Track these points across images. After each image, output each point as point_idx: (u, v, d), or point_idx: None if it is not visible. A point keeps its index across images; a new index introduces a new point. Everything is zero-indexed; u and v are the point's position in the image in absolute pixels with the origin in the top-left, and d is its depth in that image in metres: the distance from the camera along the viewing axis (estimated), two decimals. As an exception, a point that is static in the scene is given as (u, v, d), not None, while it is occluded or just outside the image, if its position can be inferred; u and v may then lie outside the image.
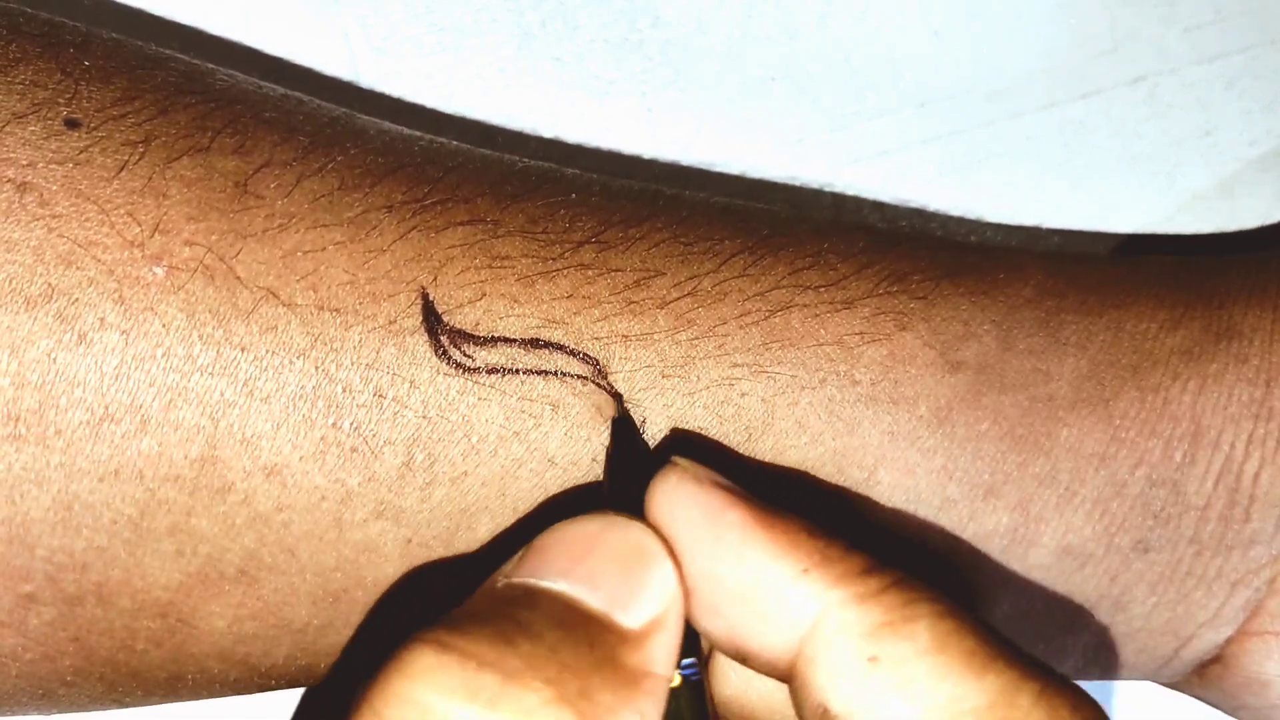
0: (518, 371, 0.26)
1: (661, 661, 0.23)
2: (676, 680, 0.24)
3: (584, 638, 0.22)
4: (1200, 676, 0.30)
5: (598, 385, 0.26)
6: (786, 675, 0.23)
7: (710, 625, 0.24)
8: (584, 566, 0.23)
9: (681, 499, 0.24)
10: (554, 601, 0.22)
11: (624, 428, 0.26)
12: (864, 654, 0.22)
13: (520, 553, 0.23)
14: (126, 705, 0.29)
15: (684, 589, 0.23)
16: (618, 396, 0.26)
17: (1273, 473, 0.28)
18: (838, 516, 0.27)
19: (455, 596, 0.23)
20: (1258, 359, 0.28)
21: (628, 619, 0.23)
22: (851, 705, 0.22)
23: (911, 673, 0.21)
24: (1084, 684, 0.31)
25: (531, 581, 0.23)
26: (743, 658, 0.24)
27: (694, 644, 0.24)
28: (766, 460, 0.27)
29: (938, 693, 0.21)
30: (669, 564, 0.23)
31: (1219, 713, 0.31)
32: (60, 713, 0.29)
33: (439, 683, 0.20)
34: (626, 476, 0.26)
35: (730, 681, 0.26)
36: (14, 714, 0.28)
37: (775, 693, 0.26)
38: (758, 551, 0.23)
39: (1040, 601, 0.28)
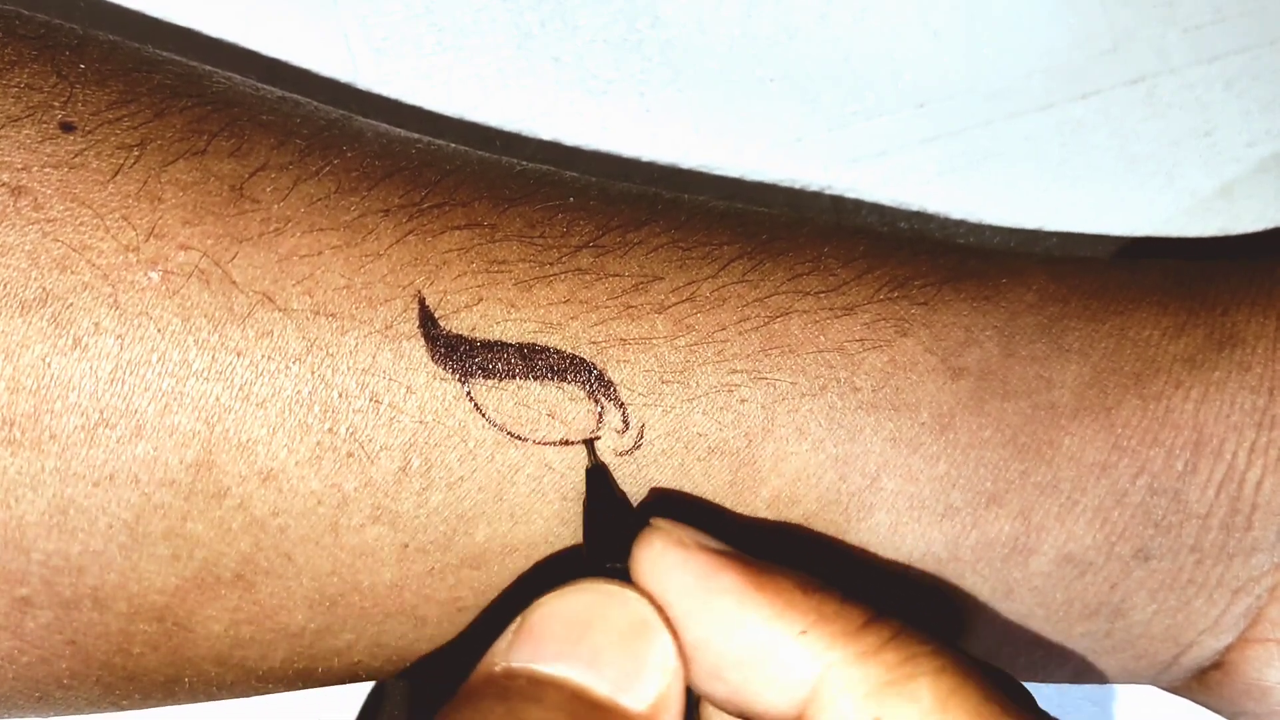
0: (514, 377, 0.26)
1: None
2: None
3: None
4: (1200, 682, 0.30)
5: (591, 396, 0.26)
6: None
7: (712, 690, 0.24)
8: (584, 646, 0.23)
9: (670, 566, 0.24)
10: (559, 690, 0.22)
11: (599, 478, 0.26)
12: (868, 714, 0.22)
13: (514, 625, 0.23)
14: (123, 708, 0.29)
15: (682, 658, 0.23)
16: (589, 444, 0.26)
17: (1275, 481, 0.28)
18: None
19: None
20: (1260, 367, 0.28)
21: (634, 702, 0.23)
22: None
23: None
24: (1083, 686, 0.31)
25: (534, 669, 0.23)
26: (746, 718, 0.24)
27: (691, 709, 0.24)
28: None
29: None
30: (668, 637, 0.23)
31: (1217, 717, 0.31)
32: (57, 715, 0.29)
33: None
34: (605, 531, 0.25)
35: None
36: (11, 716, 0.28)
37: None
38: (754, 616, 0.23)
39: (1039, 608, 0.28)
